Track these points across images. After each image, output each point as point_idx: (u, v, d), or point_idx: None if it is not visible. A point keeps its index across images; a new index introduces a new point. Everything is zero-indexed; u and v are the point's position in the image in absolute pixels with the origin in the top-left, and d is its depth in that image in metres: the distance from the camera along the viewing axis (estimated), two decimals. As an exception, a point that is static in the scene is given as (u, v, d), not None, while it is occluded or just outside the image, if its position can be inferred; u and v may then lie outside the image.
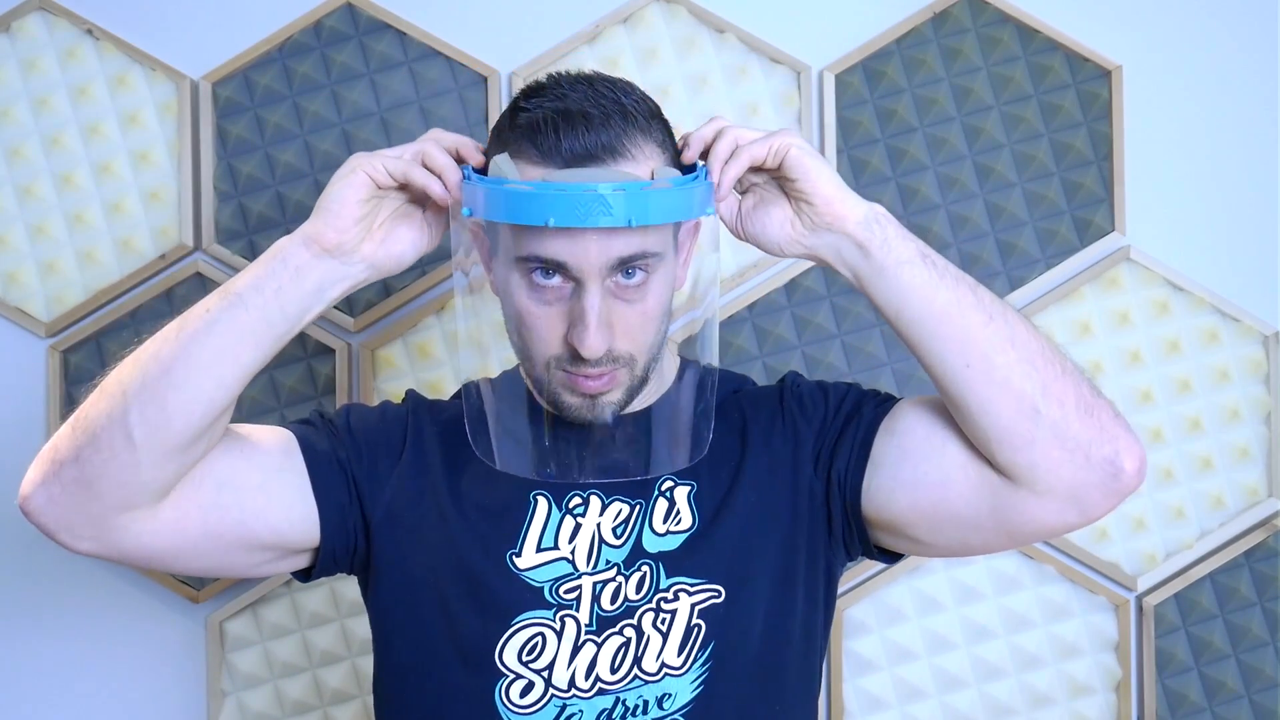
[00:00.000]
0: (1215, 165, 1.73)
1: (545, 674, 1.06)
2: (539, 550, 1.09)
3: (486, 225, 1.09)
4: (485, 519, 1.11)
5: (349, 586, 1.68)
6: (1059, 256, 1.71)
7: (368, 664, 1.67)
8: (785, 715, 1.12)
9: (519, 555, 1.09)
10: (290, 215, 1.69)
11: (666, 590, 1.07)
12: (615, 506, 1.10)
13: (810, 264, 1.68)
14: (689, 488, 1.11)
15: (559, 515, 1.10)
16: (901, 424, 1.10)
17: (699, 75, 1.70)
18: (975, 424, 1.03)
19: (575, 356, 1.02)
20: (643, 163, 1.02)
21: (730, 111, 1.69)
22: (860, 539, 1.13)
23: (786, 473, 1.12)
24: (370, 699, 1.67)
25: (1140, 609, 1.70)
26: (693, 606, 1.07)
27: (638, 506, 1.10)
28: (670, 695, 1.06)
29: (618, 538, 1.09)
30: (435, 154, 1.03)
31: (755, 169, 1.05)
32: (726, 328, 1.69)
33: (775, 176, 1.05)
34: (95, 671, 1.71)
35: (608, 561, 1.08)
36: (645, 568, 1.08)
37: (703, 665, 1.06)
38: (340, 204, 1.01)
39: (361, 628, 1.67)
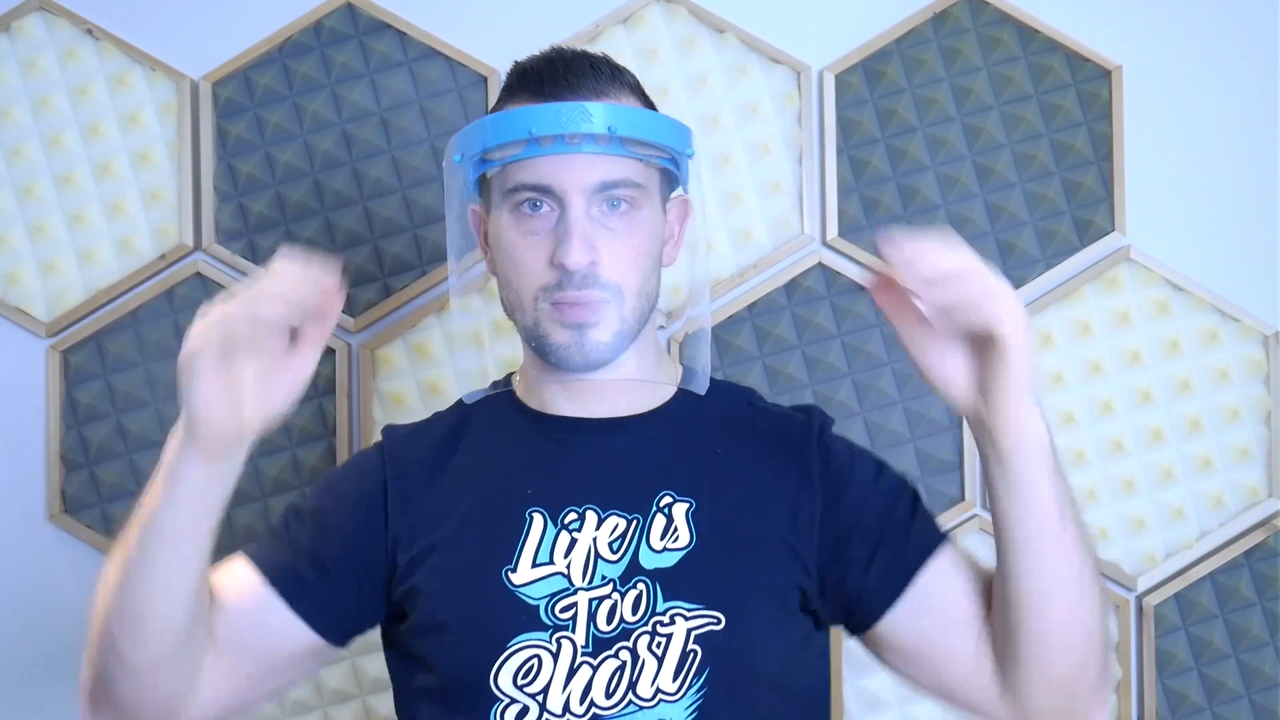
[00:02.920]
0: (1215, 165, 1.73)
1: (540, 698, 1.04)
2: (534, 566, 1.07)
3: (480, 189, 1.12)
4: (480, 538, 1.09)
5: (349, 586, 1.68)
6: (1059, 256, 1.71)
7: (368, 664, 1.67)
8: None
9: (514, 571, 1.07)
10: (290, 215, 1.69)
11: (663, 614, 1.04)
12: (612, 521, 1.08)
13: (811, 264, 1.69)
14: (688, 505, 1.08)
15: (554, 531, 1.08)
16: (936, 608, 1.10)
17: (699, 75, 1.70)
18: (1018, 652, 1.05)
19: (561, 280, 1.05)
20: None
21: (730, 111, 1.70)
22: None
23: (792, 525, 1.10)
24: (369, 699, 1.68)
25: (1140, 609, 1.70)
26: (689, 631, 1.04)
27: (635, 522, 1.08)
28: None
29: (614, 553, 1.07)
30: (283, 271, 0.92)
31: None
32: (727, 328, 1.69)
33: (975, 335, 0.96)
34: (95, 671, 1.71)
35: (603, 577, 1.06)
36: (641, 585, 1.05)
37: (698, 691, 1.03)
38: (206, 417, 0.93)
39: (361, 628, 1.67)
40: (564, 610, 1.05)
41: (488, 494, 1.11)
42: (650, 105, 1.15)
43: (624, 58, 1.69)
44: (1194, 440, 1.70)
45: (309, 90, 1.70)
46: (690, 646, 1.04)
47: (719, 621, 1.04)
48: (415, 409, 1.68)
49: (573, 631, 1.05)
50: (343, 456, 1.68)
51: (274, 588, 1.10)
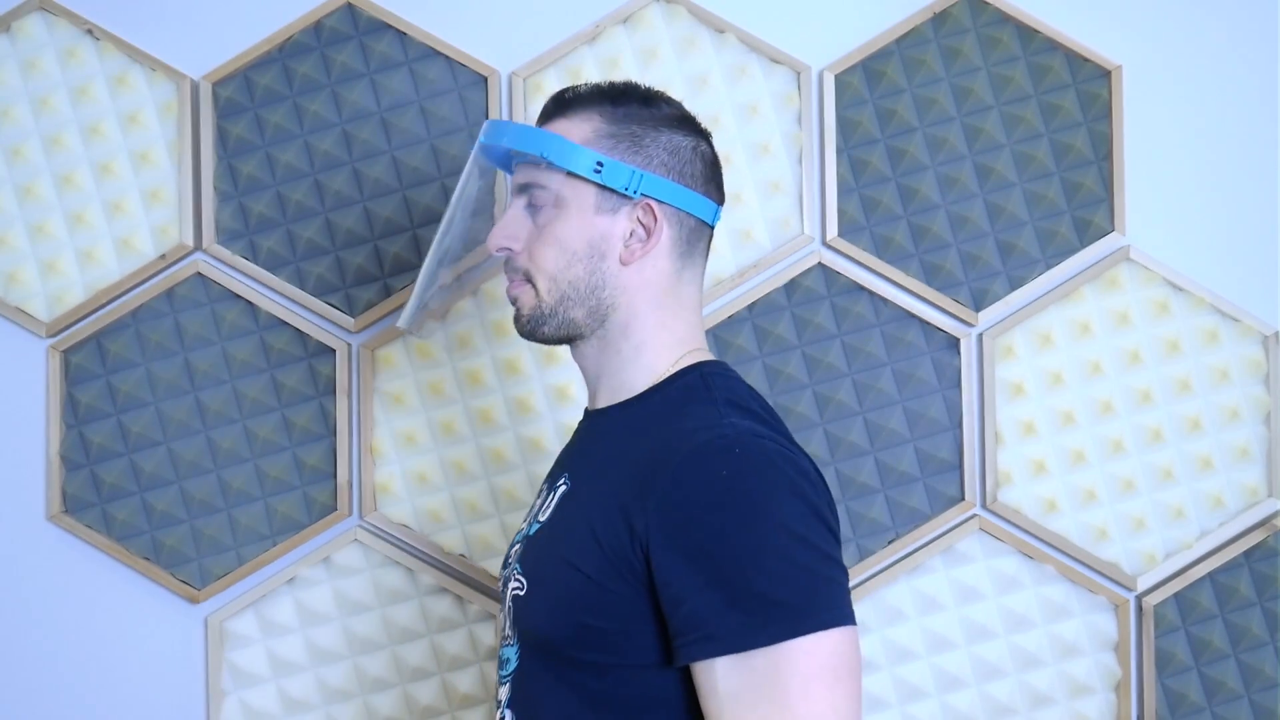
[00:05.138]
0: (1215, 165, 1.73)
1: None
2: (525, 521, 1.26)
3: None
4: (538, 497, 1.28)
5: (350, 586, 1.68)
6: (1059, 256, 1.71)
7: (369, 663, 1.67)
8: (596, 708, 1.11)
9: (524, 523, 1.26)
10: (290, 215, 1.69)
11: (516, 573, 1.20)
12: (557, 491, 1.21)
13: (811, 264, 1.69)
14: (565, 488, 1.19)
15: (546, 496, 1.23)
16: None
17: (699, 75, 1.70)
18: None
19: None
20: (577, 125, 1.18)
21: (730, 112, 1.70)
22: None
23: (609, 522, 1.09)
24: (370, 698, 1.68)
25: (1140, 609, 1.70)
26: (511, 592, 1.19)
27: (555, 494, 1.21)
28: (509, 660, 1.19)
29: (536, 519, 1.22)
30: None
31: None
32: (727, 328, 1.69)
33: None
34: (95, 671, 1.71)
35: (525, 535, 1.22)
36: (520, 546, 1.22)
37: (518, 642, 1.18)
38: None
39: (362, 626, 1.67)
40: (511, 554, 1.26)
41: (554, 465, 1.30)
42: (651, 115, 1.19)
43: (624, 58, 1.69)
44: (1194, 440, 1.71)
45: (309, 90, 1.70)
46: (508, 604, 1.20)
47: (523, 588, 1.17)
48: (415, 409, 1.69)
49: (504, 569, 1.26)
50: (343, 457, 1.68)
51: None
